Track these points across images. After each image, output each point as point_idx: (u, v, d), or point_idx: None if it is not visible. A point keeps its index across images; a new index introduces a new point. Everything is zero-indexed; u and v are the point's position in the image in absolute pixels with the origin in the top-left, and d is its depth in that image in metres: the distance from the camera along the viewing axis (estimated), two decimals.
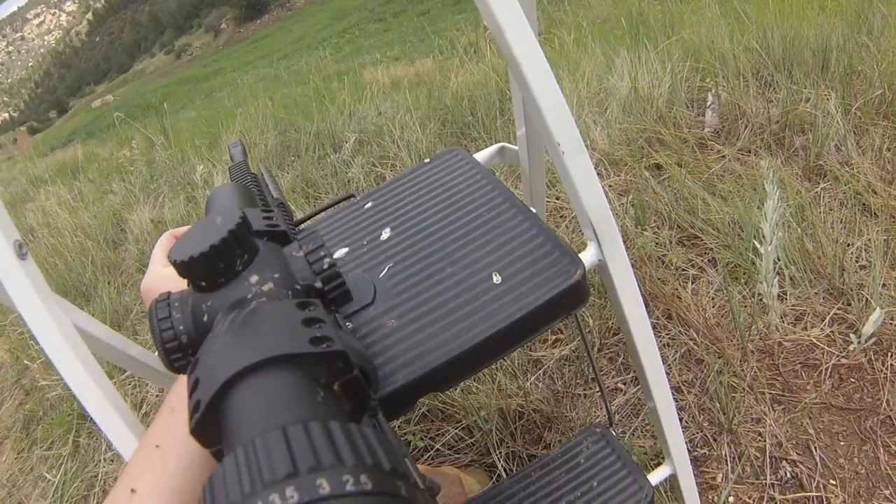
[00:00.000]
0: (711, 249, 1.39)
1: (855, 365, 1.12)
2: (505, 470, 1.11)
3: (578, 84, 2.20)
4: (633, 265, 0.61)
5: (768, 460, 1.03)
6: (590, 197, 0.56)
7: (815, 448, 1.03)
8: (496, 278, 0.59)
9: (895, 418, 1.04)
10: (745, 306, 1.25)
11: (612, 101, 2.00)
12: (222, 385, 0.26)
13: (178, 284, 0.42)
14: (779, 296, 1.22)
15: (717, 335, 1.21)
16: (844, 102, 1.64)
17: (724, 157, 1.66)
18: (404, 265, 0.64)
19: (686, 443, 0.92)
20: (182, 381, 0.42)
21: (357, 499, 0.18)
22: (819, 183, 1.49)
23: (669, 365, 1.21)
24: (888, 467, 0.99)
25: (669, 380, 1.14)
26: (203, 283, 0.34)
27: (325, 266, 0.37)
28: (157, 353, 0.44)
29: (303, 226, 0.78)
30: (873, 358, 1.12)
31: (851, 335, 1.14)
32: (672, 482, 0.81)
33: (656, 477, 0.80)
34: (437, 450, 1.19)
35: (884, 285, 1.20)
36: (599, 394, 1.20)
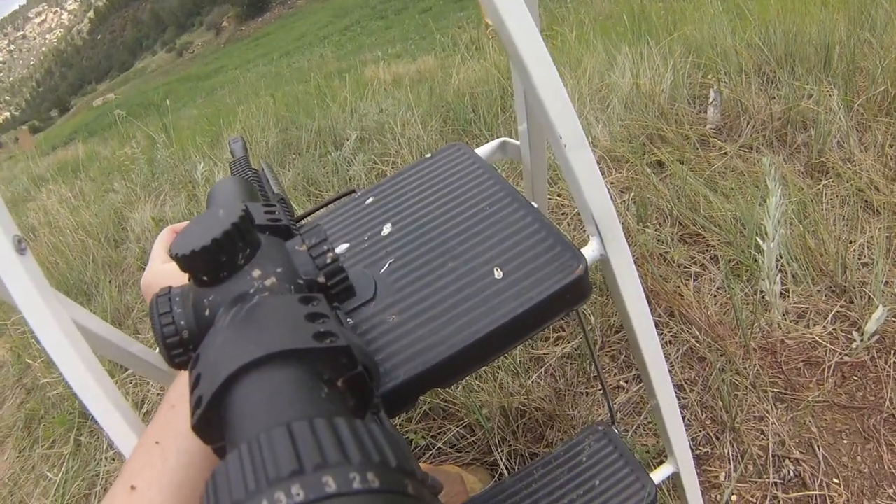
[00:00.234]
0: (713, 246, 1.39)
1: (858, 363, 1.12)
2: (507, 468, 1.11)
3: (580, 81, 2.19)
4: (634, 262, 0.61)
5: (771, 459, 1.03)
6: (592, 191, 0.56)
7: (818, 446, 1.02)
8: (498, 273, 0.59)
9: None
10: (748, 304, 1.24)
11: (614, 97, 2.00)
12: (225, 381, 0.25)
13: (179, 280, 0.41)
14: (781, 293, 1.22)
15: (720, 333, 1.21)
16: (847, 99, 1.64)
17: (726, 153, 1.65)
18: (405, 261, 0.64)
19: (689, 441, 0.92)
20: (182, 378, 0.42)
21: (364, 497, 0.18)
22: (821, 180, 1.48)
23: (672, 363, 1.21)
24: (891, 466, 0.98)
25: (672, 378, 1.14)
26: (205, 278, 0.33)
27: (329, 261, 0.36)
28: (158, 351, 0.44)
29: (303, 222, 0.77)
30: (876, 356, 1.11)
31: (854, 333, 1.13)
32: (675, 481, 0.81)
33: (659, 475, 0.80)
34: (439, 448, 1.18)
35: (886, 283, 1.19)
36: (602, 392, 1.20)
